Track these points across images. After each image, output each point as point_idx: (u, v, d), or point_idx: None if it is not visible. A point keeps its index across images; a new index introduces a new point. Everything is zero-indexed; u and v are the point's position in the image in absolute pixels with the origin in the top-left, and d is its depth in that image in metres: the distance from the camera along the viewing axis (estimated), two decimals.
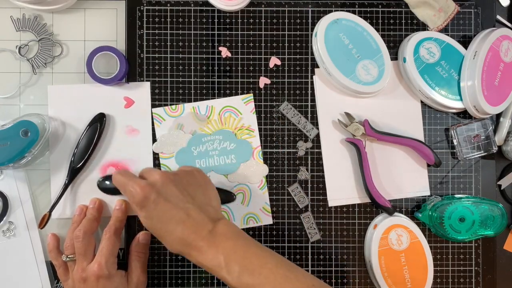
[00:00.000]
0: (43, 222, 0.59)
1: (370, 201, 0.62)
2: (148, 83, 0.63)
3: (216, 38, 0.63)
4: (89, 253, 0.56)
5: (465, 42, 0.64)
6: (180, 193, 0.49)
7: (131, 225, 0.62)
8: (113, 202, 0.61)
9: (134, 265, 0.59)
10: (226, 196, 0.61)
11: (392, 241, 0.61)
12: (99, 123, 0.61)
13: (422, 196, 0.64)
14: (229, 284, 0.46)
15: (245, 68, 0.63)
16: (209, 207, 0.51)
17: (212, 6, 0.63)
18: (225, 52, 0.63)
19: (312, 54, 0.63)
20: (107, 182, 0.60)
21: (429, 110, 0.64)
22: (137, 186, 0.48)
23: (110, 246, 0.56)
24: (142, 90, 0.63)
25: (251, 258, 0.46)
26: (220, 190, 0.60)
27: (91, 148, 0.60)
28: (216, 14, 0.63)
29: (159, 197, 0.47)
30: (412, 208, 0.64)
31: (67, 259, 0.56)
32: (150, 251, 0.62)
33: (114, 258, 0.57)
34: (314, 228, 0.63)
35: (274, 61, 0.63)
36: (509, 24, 0.65)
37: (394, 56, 0.64)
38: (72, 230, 0.58)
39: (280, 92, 0.64)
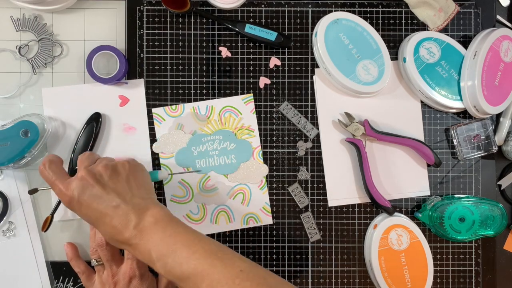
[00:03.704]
0: (45, 225, 0.59)
1: (370, 201, 0.62)
2: (142, 80, 0.63)
3: (216, 38, 0.63)
4: (116, 257, 0.56)
5: (465, 42, 0.64)
6: (103, 190, 0.48)
7: None
8: None
9: None
10: None
11: (392, 241, 0.61)
12: (95, 122, 0.61)
13: (422, 196, 0.64)
14: (164, 276, 0.47)
15: (245, 68, 0.63)
16: (135, 198, 0.49)
17: (212, 6, 0.63)
18: (225, 52, 0.63)
19: (312, 54, 0.63)
20: None
21: (429, 110, 0.64)
22: (61, 187, 0.48)
23: None
24: (136, 88, 0.63)
25: (180, 249, 0.45)
26: None
27: (89, 148, 0.60)
28: (216, 14, 0.63)
29: (81, 198, 0.47)
30: (412, 208, 0.64)
31: (96, 263, 0.57)
32: None
33: None
34: (314, 228, 0.63)
35: (274, 61, 0.63)
36: (509, 24, 0.65)
37: (394, 56, 0.64)
38: (93, 235, 0.58)
39: (280, 92, 0.64)
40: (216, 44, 0.63)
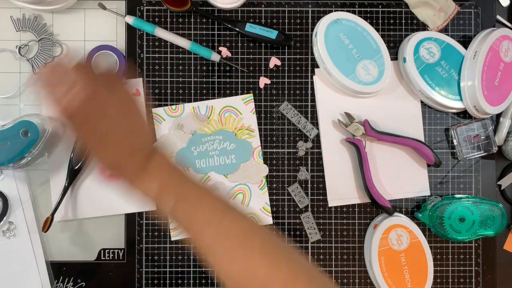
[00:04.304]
0: (46, 226, 0.59)
1: (370, 201, 0.62)
2: (141, 80, 0.63)
3: (216, 38, 0.63)
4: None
5: (465, 42, 0.64)
6: (116, 114, 0.42)
7: (131, 222, 0.62)
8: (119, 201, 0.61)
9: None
10: None
11: (392, 241, 0.61)
12: None
13: (422, 196, 0.64)
14: (164, 212, 0.43)
15: (245, 68, 0.63)
16: (141, 136, 0.45)
17: (212, 6, 0.63)
18: (225, 52, 0.63)
19: (312, 54, 0.63)
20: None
21: (429, 110, 0.64)
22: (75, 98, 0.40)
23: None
24: (135, 87, 0.62)
25: (188, 186, 0.43)
26: None
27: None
28: (216, 14, 0.63)
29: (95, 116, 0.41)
30: (412, 208, 0.64)
31: None
32: (150, 251, 0.62)
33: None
34: (314, 228, 0.63)
35: (274, 61, 0.63)
36: (509, 24, 0.65)
37: (394, 56, 0.64)
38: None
39: (280, 92, 0.64)
40: (216, 44, 0.63)
